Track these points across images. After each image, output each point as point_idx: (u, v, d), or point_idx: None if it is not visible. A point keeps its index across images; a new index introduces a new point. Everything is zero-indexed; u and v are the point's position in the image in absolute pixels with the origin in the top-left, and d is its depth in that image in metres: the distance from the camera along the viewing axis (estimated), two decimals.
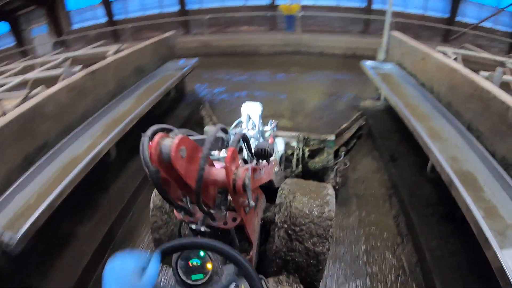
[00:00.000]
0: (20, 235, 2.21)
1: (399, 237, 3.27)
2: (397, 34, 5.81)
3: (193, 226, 1.44)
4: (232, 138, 1.33)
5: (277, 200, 2.19)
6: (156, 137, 1.07)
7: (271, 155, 1.71)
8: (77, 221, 3.24)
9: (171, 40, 6.69)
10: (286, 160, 3.70)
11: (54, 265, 2.79)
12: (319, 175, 3.79)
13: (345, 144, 4.73)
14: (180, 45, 10.89)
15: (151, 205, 2.33)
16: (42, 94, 3.49)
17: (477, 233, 2.22)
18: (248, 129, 2.45)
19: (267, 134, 2.93)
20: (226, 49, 10.68)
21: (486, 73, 4.62)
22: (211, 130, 1.40)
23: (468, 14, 16.24)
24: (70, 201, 3.01)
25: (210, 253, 1.19)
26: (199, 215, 1.40)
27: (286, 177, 2.92)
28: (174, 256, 1.22)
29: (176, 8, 16.12)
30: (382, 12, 15.40)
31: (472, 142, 3.26)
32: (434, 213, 3.19)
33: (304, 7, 11.87)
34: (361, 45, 10.56)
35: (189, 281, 1.17)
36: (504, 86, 4.41)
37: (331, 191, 2.25)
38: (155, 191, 2.33)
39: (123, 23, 15.80)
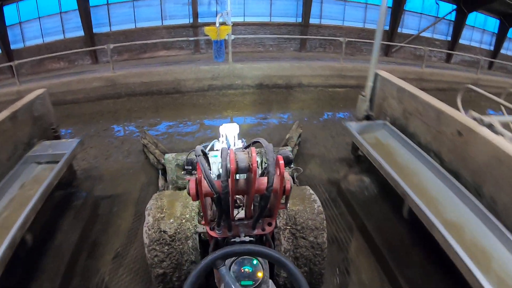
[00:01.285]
0: None
1: None
2: (390, 77, 3.94)
3: (237, 239, 1.47)
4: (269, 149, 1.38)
5: None
6: (231, 153, 1.23)
7: (292, 161, 1.81)
8: None
9: (36, 108, 4.13)
10: None
11: None
12: None
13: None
14: (80, 86, 8.34)
15: (146, 241, 2.24)
16: None
17: None
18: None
19: None
20: (139, 88, 8.33)
21: None
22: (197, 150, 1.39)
23: (408, 25, 15.50)
24: None
25: (262, 263, 1.28)
26: (236, 228, 1.51)
27: None
28: (229, 260, 1.27)
29: (80, 32, 13.31)
30: (319, 28, 14.17)
31: None
32: None
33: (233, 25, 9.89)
34: (307, 72, 8.80)
35: (238, 286, 1.17)
36: None
37: (312, 191, 2.56)
38: (146, 225, 2.28)
39: (21, 54, 13.13)
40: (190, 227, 2.26)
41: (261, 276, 1.24)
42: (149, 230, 2.25)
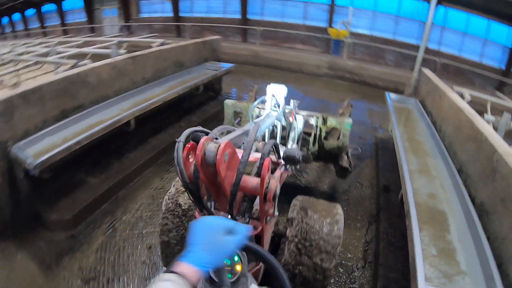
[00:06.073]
0: (38, 162, 2.91)
1: (362, 262, 3.26)
2: (427, 71, 5.61)
3: None
4: (265, 144, 1.48)
5: (289, 215, 2.22)
6: (202, 140, 1.19)
7: (300, 162, 1.88)
8: (88, 172, 3.94)
9: (214, 44, 7.34)
10: (303, 138, 3.69)
11: (59, 199, 3.50)
12: (332, 156, 3.74)
13: None
14: (232, 51, 11.63)
15: (163, 208, 2.38)
16: (87, 66, 4.23)
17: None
18: (272, 109, 2.53)
19: (287, 111, 2.92)
20: (273, 62, 11.34)
21: (492, 117, 4.44)
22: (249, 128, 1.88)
23: None
24: (88, 156, 3.91)
25: (241, 256, 1.19)
26: None
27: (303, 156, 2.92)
28: None
29: (238, 15, 16.65)
30: (435, 53, 15.22)
31: (458, 185, 2.98)
32: (404, 247, 2.95)
33: (357, 35, 12.08)
34: (406, 81, 10.59)
35: (226, 278, 1.15)
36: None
37: (340, 210, 2.28)
38: (168, 194, 2.41)
39: (187, 21, 16.60)
40: None
41: (239, 269, 1.16)
42: (168, 199, 2.38)
